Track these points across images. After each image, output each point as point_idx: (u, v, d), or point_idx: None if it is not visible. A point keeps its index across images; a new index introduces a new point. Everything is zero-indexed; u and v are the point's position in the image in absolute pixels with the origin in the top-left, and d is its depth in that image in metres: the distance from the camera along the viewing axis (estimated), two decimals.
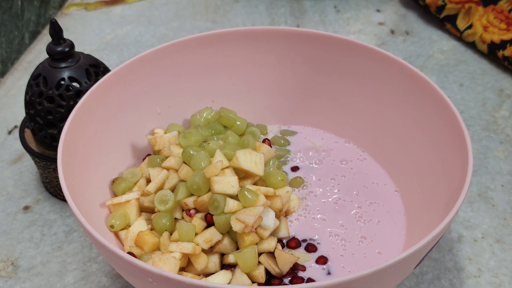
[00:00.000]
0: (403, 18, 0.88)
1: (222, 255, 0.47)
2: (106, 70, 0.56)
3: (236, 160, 0.48)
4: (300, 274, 0.47)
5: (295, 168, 0.57)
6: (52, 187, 0.58)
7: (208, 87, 0.59)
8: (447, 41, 0.82)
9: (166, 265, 0.42)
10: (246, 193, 0.46)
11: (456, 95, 0.72)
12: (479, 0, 0.77)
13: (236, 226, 0.45)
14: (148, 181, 0.52)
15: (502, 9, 0.74)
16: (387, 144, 0.56)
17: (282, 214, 0.50)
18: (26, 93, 0.55)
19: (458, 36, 0.81)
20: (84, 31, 0.86)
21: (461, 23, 0.79)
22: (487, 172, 0.61)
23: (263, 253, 0.46)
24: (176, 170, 0.50)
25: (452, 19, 0.81)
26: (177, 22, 0.89)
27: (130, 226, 0.48)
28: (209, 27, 0.87)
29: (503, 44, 0.73)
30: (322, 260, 0.48)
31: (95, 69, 0.55)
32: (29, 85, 0.54)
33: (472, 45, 0.80)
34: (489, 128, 0.67)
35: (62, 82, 0.53)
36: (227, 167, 0.48)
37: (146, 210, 0.50)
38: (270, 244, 0.47)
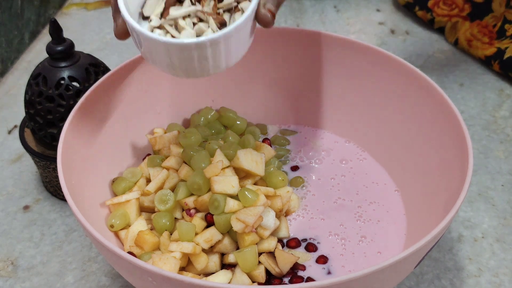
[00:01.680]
0: (403, 18, 0.87)
1: (222, 255, 0.47)
2: (106, 69, 0.56)
3: (237, 160, 0.47)
4: (300, 273, 0.47)
5: (295, 168, 0.56)
6: (52, 187, 0.58)
7: (208, 87, 0.59)
8: (447, 41, 0.82)
9: (166, 264, 0.42)
10: (246, 193, 0.46)
11: (456, 95, 0.72)
12: (466, 15, 0.77)
13: (237, 226, 0.44)
14: (148, 181, 0.52)
15: (487, 23, 0.75)
16: (387, 144, 0.56)
17: (282, 214, 0.50)
18: (26, 92, 0.55)
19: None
20: (84, 31, 0.86)
21: (449, 37, 0.80)
22: (487, 171, 0.61)
23: (263, 253, 0.46)
24: (176, 170, 0.50)
25: (443, 31, 0.81)
26: None
27: (130, 226, 0.48)
28: None
29: (488, 61, 0.73)
30: (322, 260, 0.48)
31: (95, 69, 0.55)
32: (29, 85, 0.54)
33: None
34: (489, 127, 0.67)
35: (62, 82, 0.53)
36: (227, 167, 0.48)
37: (146, 210, 0.50)
38: (270, 244, 0.47)
